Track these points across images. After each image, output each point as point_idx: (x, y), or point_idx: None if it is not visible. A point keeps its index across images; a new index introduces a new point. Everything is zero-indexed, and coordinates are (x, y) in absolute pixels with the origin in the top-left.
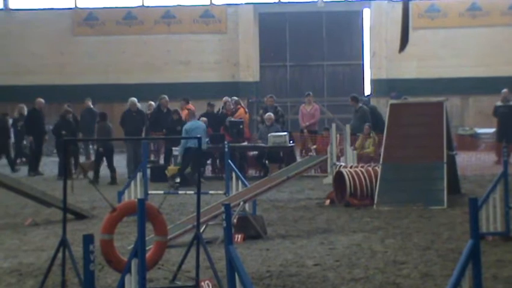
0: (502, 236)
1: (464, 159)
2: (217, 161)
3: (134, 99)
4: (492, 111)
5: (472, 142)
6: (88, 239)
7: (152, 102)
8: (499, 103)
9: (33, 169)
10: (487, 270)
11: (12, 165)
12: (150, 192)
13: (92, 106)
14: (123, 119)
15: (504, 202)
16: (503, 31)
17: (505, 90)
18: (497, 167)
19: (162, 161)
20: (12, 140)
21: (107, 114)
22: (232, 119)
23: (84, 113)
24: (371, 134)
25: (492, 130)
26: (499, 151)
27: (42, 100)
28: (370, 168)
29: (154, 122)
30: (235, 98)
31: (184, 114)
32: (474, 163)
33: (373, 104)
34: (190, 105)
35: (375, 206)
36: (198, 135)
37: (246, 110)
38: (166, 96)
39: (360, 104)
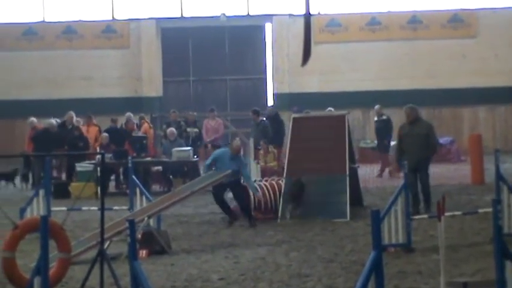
0: (403, 247)
1: (366, 171)
2: (121, 177)
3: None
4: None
5: (373, 155)
6: None
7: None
8: (375, 118)
9: None
10: (389, 281)
11: None
12: (53, 208)
13: None
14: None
15: (405, 214)
16: (402, 45)
17: (377, 106)
18: (398, 179)
19: (64, 178)
20: None
21: None
22: (135, 134)
23: None
24: (269, 149)
25: (393, 143)
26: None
27: None
28: (274, 182)
29: (61, 137)
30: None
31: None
32: (376, 175)
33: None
34: (94, 121)
35: (279, 220)
36: None
37: (150, 125)
38: (72, 112)
39: (261, 118)
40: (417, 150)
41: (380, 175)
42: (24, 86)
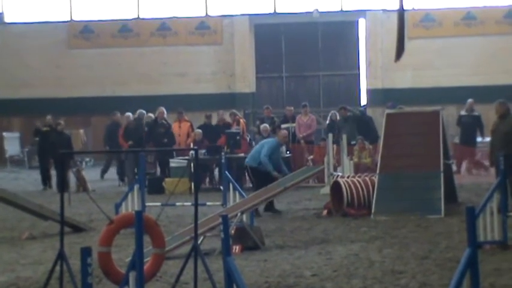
0: (499, 244)
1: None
2: (215, 173)
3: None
4: (456, 121)
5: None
6: (86, 252)
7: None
8: (463, 112)
9: None
10: (484, 279)
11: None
12: (147, 204)
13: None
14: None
15: (501, 211)
16: (498, 40)
17: (470, 100)
18: (493, 176)
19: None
20: None
21: None
22: (229, 130)
23: (111, 126)
24: (366, 146)
25: (487, 139)
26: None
27: None
28: (367, 178)
29: (151, 133)
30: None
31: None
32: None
33: (369, 115)
34: (185, 117)
35: (372, 216)
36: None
37: (244, 121)
38: (163, 108)
39: (349, 113)
40: (500, 146)
41: (458, 171)
42: (119, 82)
